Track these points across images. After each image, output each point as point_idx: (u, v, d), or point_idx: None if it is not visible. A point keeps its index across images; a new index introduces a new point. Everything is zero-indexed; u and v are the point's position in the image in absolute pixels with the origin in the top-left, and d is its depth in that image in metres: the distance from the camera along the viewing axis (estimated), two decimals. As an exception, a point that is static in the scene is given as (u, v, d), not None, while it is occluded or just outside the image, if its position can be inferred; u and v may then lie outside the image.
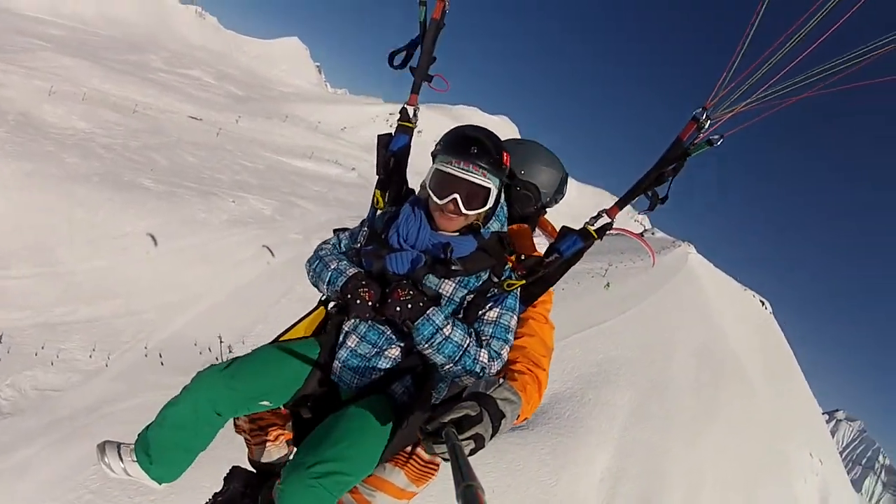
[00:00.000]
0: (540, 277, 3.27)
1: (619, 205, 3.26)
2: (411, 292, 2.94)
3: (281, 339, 3.40)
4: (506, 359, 3.01)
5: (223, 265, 21.17)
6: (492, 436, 2.45)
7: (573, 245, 3.22)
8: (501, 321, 3.04)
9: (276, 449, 3.54)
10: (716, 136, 2.98)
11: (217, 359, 14.04)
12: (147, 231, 20.71)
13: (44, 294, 16.21)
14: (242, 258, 22.25)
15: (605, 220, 3.25)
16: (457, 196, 3.00)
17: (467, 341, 2.93)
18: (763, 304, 55.40)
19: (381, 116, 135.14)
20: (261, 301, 19.52)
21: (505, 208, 3.34)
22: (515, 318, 3.13)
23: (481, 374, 2.89)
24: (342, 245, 3.45)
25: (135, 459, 2.89)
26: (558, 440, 13.80)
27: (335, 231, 3.58)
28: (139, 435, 2.96)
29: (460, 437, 2.25)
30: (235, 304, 19.16)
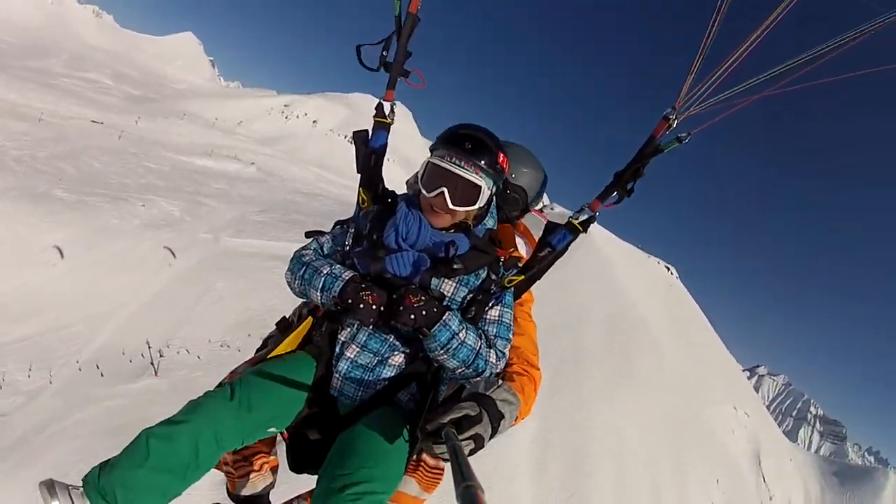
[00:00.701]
0: (527, 275, 3.37)
1: (601, 198, 3.35)
2: (423, 298, 2.86)
3: (269, 355, 3.25)
4: (508, 356, 3.08)
5: (141, 271, 21.03)
6: (491, 436, 2.54)
7: (563, 239, 3.35)
8: (503, 320, 3.08)
9: (262, 479, 3.38)
10: (683, 134, 3.14)
11: (152, 364, 14.19)
12: (62, 243, 20.50)
13: (-27, 318, 15.54)
14: (158, 262, 22.20)
15: (588, 213, 3.37)
16: (445, 190, 2.99)
17: (479, 344, 2.92)
18: (669, 269, 56.45)
19: (276, 109, 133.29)
20: (181, 303, 19.53)
21: (496, 209, 3.41)
22: (512, 313, 3.18)
23: (489, 375, 2.92)
24: (324, 249, 3.33)
25: None
26: (482, 408, 14.30)
27: (308, 234, 3.45)
28: (93, 475, 2.52)
29: (460, 437, 2.32)
30: (157, 309, 19.06)
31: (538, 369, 3.20)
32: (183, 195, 32.08)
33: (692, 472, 23.91)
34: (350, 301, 2.88)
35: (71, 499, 2.37)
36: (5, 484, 10.16)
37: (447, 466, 2.88)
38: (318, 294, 3.01)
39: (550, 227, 3.45)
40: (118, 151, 40.86)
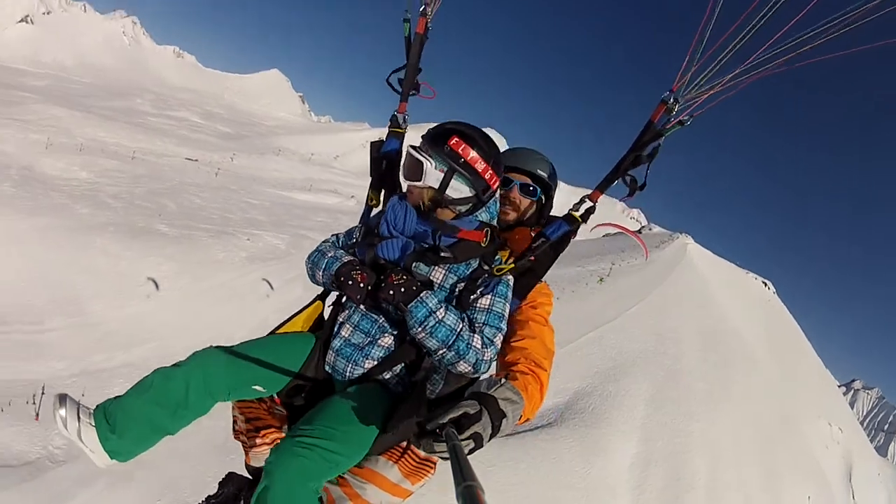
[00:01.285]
0: (530, 268, 3.36)
1: (600, 188, 3.34)
2: (404, 277, 2.97)
3: (278, 331, 3.44)
4: (498, 347, 3.03)
5: (246, 301, 21.29)
6: (491, 435, 2.49)
7: (559, 229, 3.31)
8: (494, 309, 3.06)
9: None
10: (686, 117, 3.12)
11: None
12: (167, 275, 20.95)
13: (80, 344, 16.19)
14: (263, 293, 22.41)
15: (588, 204, 3.34)
16: (402, 164, 3.21)
17: (460, 325, 2.93)
18: (766, 284, 55.02)
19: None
20: (289, 332, 19.85)
21: (497, 203, 3.37)
22: (508, 306, 3.13)
23: (475, 361, 2.92)
24: (340, 242, 3.45)
25: (93, 424, 2.64)
26: (585, 432, 13.92)
27: (334, 235, 3.60)
28: (109, 401, 2.73)
29: (460, 436, 2.28)
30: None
31: (546, 371, 3.05)
32: (287, 229, 32.68)
33: (785, 489, 23.26)
34: (342, 279, 3.00)
35: (78, 414, 2.60)
36: (115, 495, 10.66)
37: (441, 463, 2.98)
38: (321, 274, 3.19)
39: (549, 220, 3.50)
40: (217, 188, 41.92)
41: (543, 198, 3.76)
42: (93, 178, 33.72)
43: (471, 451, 2.29)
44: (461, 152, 3.06)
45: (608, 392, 16.64)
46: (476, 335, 2.92)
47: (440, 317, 2.86)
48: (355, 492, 3.00)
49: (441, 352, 2.88)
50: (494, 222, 3.33)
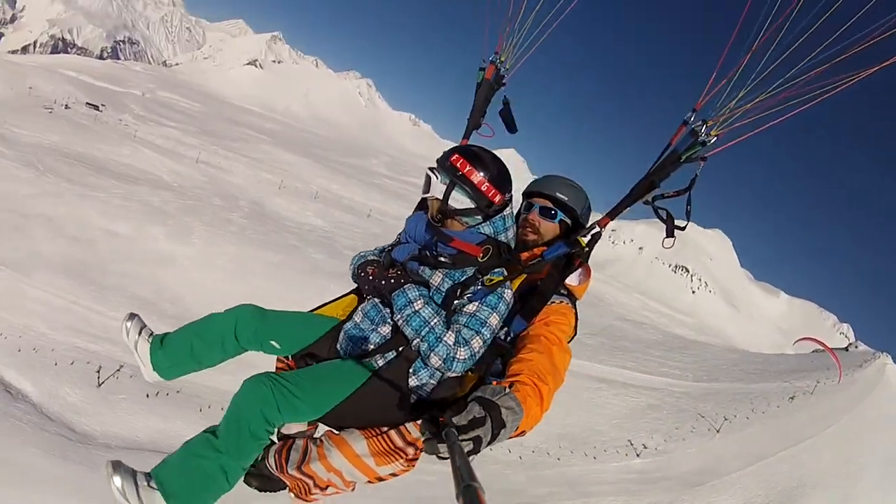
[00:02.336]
0: (539, 290, 3.59)
1: (611, 215, 3.61)
2: (399, 272, 3.48)
3: (315, 311, 4.07)
4: (476, 351, 3.31)
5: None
6: (489, 442, 2.57)
7: (557, 250, 3.59)
8: (478, 314, 3.38)
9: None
10: (710, 138, 3.11)
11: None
12: None
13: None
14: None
15: (595, 230, 3.63)
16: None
17: (434, 320, 3.34)
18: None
19: (604, 233, 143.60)
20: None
21: (505, 220, 3.62)
22: (496, 317, 3.41)
23: (445, 356, 3.25)
24: (382, 249, 4.00)
25: (149, 341, 3.64)
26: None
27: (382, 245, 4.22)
28: (165, 332, 3.76)
29: (461, 437, 2.39)
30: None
31: (548, 385, 3.15)
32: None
33: None
34: (359, 271, 3.69)
35: (140, 331, 3.65)
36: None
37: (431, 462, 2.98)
38: (350, 268, 3.87)
39: (552, 240, 3.91)
40: (451, 258, 42.97)
41: (570, 223, 4.07)
42: (327, 226, 35.91)
43: (469, 454, 2.39)
44: (459, 166, 3.54)
45: (786, 511, 16.82)
46: (450, 332, 3.33)
47: (416, 308, 3.36)
48: (324, 452, 3.44)
49: (415, 341, 3.38)
50: (501, 238, 3.65)
